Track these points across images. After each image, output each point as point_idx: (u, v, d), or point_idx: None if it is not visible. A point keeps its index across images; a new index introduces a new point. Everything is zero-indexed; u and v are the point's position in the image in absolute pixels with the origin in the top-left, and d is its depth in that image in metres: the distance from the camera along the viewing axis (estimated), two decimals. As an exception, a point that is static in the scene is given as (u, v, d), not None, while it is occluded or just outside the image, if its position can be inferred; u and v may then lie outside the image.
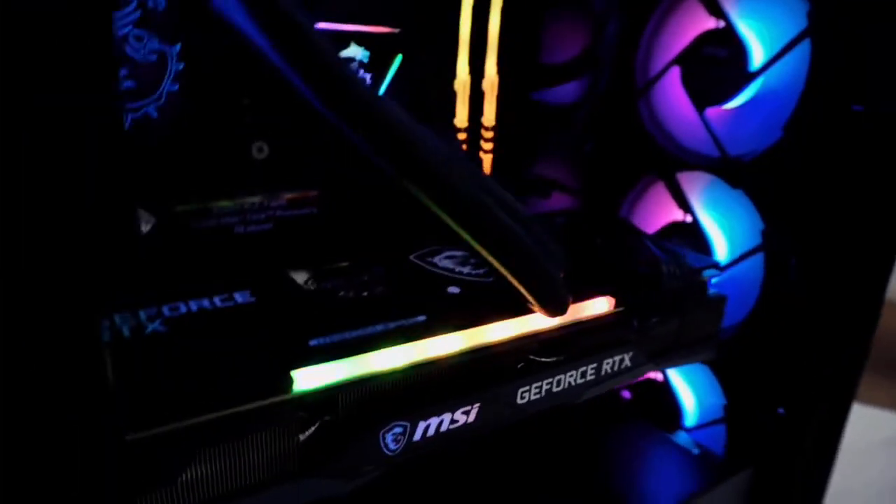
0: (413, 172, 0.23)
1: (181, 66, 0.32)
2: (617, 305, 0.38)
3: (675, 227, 0.57)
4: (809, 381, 0.49)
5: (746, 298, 0.51)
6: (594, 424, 0.57)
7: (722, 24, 0.50)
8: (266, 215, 0.42)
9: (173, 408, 0.25)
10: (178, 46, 0.31)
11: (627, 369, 0.40)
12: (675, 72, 0.54)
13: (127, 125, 0.31)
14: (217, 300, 0.34)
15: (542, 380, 0.36)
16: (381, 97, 0.22)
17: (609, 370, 0.39)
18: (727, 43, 0.50)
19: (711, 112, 0.52)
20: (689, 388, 0.59)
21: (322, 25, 0.36)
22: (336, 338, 0.30)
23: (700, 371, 0.57)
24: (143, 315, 0.32)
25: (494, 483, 0.47)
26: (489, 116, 0.45)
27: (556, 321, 0.35)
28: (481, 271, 0.40)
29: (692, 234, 0.55)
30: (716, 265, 0.45)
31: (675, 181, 0.55)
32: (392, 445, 0.31)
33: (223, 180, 0.39)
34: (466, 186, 0.24)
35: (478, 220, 0.25)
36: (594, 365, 0.38)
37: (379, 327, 0.32)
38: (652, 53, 0.56)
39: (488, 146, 0.45)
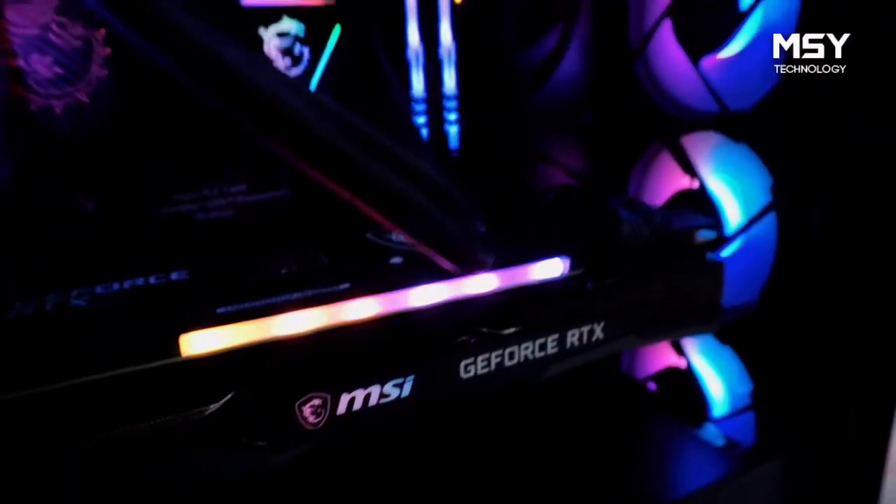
0: (252, 112, 0.21)
1: (107, 51, 0.32)
2: (572, 268, 0.34)
3: (685, 195, 0.52)
4: (844, 359, 0.43)
5: (763, 266, 0.46)
6: (615, 419, 0.53)
7: (710, -35, 0.45)
8: (227, 202, 0.42)
9: (54, 371, 0.25)
10: (103, 31, 0.32)
11: (600, 342, 0.36)
12: (668, 25, 0.50)
13: (59, 111, 0.32)
14: (152, 279, 0.34)
15: (488, 351, 0.33)
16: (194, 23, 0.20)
17: (576, 343, 0.36)
18: (717, -15, 0.45)
19: (707, 63, 0.47)
20: (716, 375, 0.53)
21: (252, 2, 0.35)
22: (246, 305, 0.29)
23: (726, 354, 0.51)
24: (74, 293, 0.32)
25: (512, 475, 0.44)
26: (449, 85, 0.42)
27: (494, 284, 0.32)
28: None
29: (701, 202, 0.50)
30: (708, 225, 0.40)
31: (679, 145, 0.51)
32: (312, 419, 0.30)
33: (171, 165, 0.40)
34: (321, 130, 0.22)
35: (339, 166, 0.23)
36: (555, 336, 0.35)
37: (295, 295, 0.30)
38: (643, 9, 0.52)
39: (452, 116, 0.43)
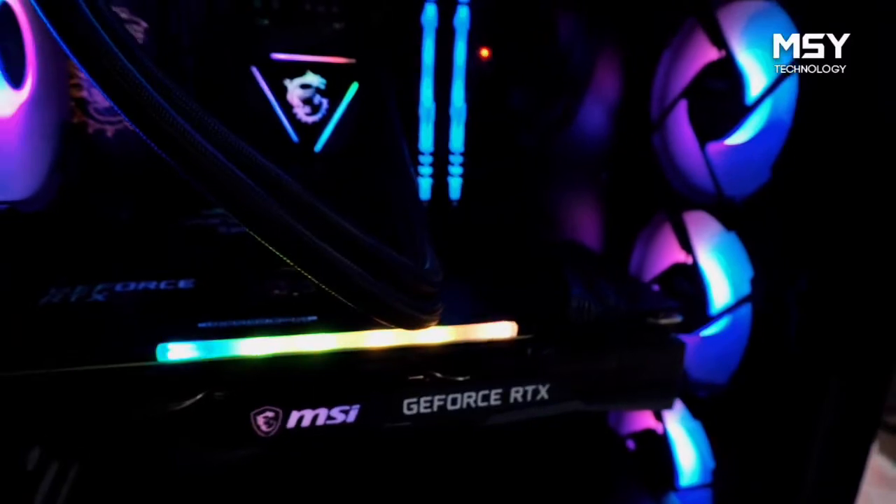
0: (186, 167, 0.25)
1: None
2: (520, 332, 0.37)
3: (679, 268, 0.53)
4: (801, 456, 0.43)
5: (736, 351, 0.47)
6: (586, 475, 0.55)
7: (723, 54, 0.47)
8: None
9: (54, 356, 0.31)
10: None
11: (544, 402, 0.39)
12: (683, 105, 0.51)
13: (111, 135, 0.38)
14: (163, 284, 0.40)
15: (432, 394, 0.37)
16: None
17: (519, 399, 0.39)
18: (727, 75, 0.46)
19: (713, 148, 0.49)
20: (690, 445, 0.54)
21: (280, 56, 0.41)
22: (223, 324, 0.35)
23: (698, 428, 0.52)
24: (98, 287, 0.39)
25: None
26: (457, 142, 0.46)
27: (443, 336, 0.36)
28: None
29: (693, 278, 0.51)
30: (673, 309, 0.42)
31: (680, 220, 0.52)
32: (264, 427, 0.35)
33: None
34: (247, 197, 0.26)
35: (270, 234, 0.27)
36: (499, 390, 0.38)
37: (267, 321, 0.35)
38: (668, 85, 0.54)
39: (456, 171, 0.47)
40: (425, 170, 0.46)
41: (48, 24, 0.22)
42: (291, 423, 0.35)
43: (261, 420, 0.34)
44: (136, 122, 0.24)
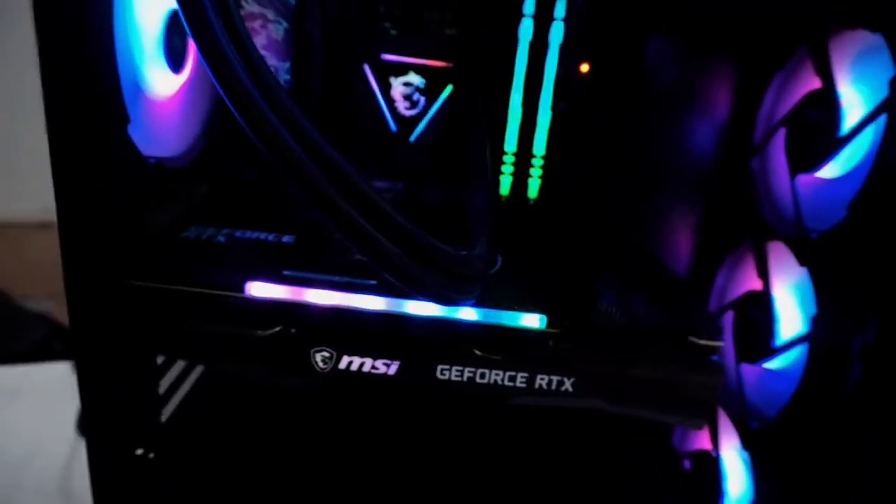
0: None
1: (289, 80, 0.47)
2: (549, 326, 0.41)
3: (752, 297, 0.52)
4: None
5: (789, 388, 0.46)
6: (635, 490, 0.57)
7: (825, 84, 0.45)
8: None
9: (170, 275, 0.40)
10: (288, 64, 0.46)
11: (568, 394, 0.43)
12: (783, 133, 0.50)
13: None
14: (271, 236, 0.49)
15: (463, 365, 0.42)
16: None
17: (544, 386, 0.42)
18: (827, 106, 0.45)
19: (803, 179, 0.47)
20: (742, 472, 0.54)
21: (389, 57, 0.47)
22: (302, 274, 0.43)
23: (748, 456, 0.52)
24: (224, 231, 0.49)
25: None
26: (539, 146, 0.49)
27: (476, 318, 0.41)
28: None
29: (763, 308, 0.50)
30: (714, 333, 0.43)
31: (762, 248, 0.51)
32: (321, 364, 0.42)
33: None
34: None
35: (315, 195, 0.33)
36: (525, 374, 0.42)
37: (335, 278, 0.43)
38: (775, 110, 0.52)
39: (537, 173, 0.50)
40: (507, 169, 0.50)
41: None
42: (343, 364, 0.42)
43: (318, 357, 0.42)
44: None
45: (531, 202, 0.50)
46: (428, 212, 0.50)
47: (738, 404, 0.53)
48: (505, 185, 0.50)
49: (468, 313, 0.42)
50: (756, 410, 0.50)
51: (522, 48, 0.46)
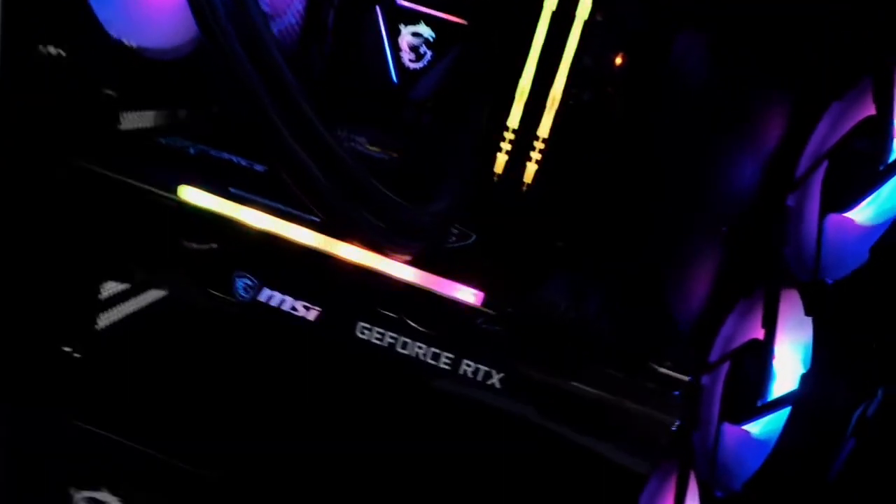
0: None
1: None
2: (483, 304, 0.36)
3: (754, 346, 0.45)
4: None
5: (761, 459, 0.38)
6: None
7: (879, 110, 0.38)
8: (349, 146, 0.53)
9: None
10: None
11: (495, 389, 0.38)
12: (824, 167, 0.43)
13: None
14: (245, 161, 0.47)
15: (385, 329, 0.38)
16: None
17: (469, 374, 0.38)
18: (877, 134, 0.38)
19: (833, 219, 0.40)
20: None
21: (403, 3, 0.44)
22: (246, 194, 0.40)
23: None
24: (199, 146, 0.47)
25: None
26: (544, 128, 0.44)
27: (408, 276, 0.37)
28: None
29: (760, 358, 0.43)
30: (677, 365, 0.36)
31: (773, 294, 0.44)
32: (242, 293, 0.40)
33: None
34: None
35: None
36: (450, 355, 0.38)
37: (275, 203, 0.40)
38: (824, 143, 0.45)
39: (536, 156, 0.45)
40: (505, 146, 0.46)
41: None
42: (263, 297, 0.39)
43: (240, 284, 0.39)
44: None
45: (524, 186, 0.46)
46: (409, 176, 0.47)
47: (710, 468, 0.45)
48: (499, 162, 0.45)
49: (404, 272, 0.38)
50: (724, 478, 0.43)
51: (544, 18, 0.42)
